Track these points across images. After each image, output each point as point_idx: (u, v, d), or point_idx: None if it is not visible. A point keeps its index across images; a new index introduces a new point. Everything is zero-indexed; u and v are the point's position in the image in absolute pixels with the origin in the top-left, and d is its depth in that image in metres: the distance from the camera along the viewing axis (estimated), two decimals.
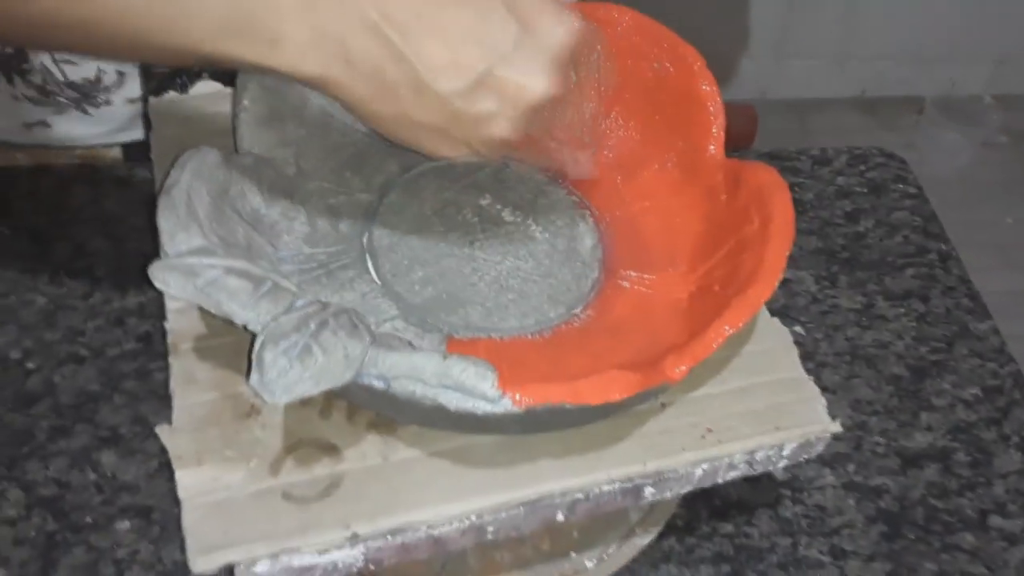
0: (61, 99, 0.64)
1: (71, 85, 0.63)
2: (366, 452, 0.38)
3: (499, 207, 0.51)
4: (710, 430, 0.40)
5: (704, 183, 0.49)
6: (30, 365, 0.56)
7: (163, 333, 0.45)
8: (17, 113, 0.64)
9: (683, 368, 0.37)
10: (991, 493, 0.57)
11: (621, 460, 0.39)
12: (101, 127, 0.66)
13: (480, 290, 0.47)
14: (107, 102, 0.65)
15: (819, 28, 1.79)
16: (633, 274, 0.48)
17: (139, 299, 0.59)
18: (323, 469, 0.38)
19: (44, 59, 0.61)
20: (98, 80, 0.63)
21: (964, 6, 1.77)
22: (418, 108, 0.33)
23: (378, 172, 0.52)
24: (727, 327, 0.38)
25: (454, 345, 0.44)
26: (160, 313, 0.45)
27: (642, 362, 0.38)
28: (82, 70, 0.62)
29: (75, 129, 0.66)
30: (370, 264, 0.48)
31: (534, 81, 0.33)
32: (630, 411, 0.40)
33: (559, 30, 0.33)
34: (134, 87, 0.65)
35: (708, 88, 0.49)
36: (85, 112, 0.65)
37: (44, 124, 0.65)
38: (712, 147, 0.49)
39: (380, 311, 0.45)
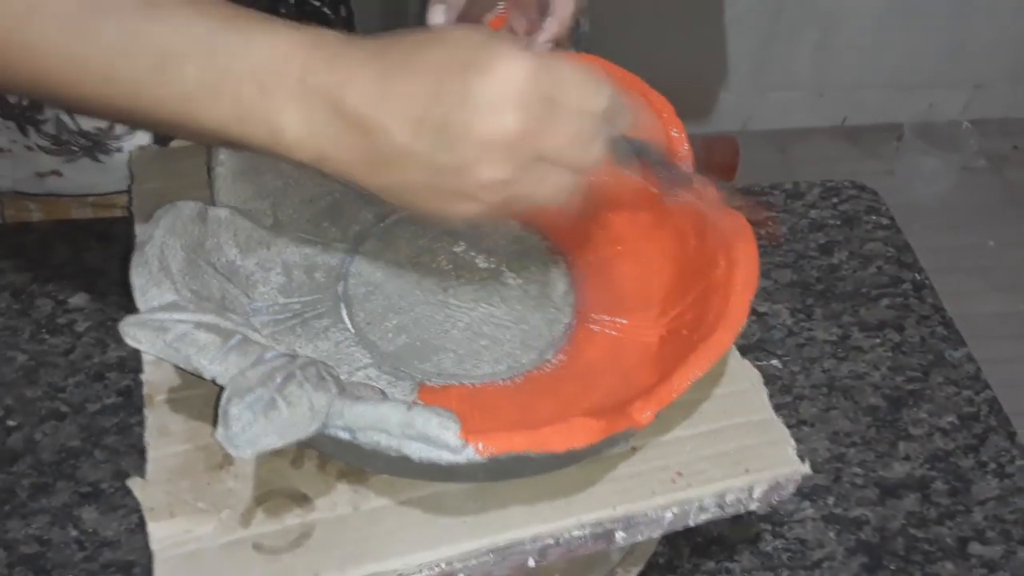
0: (74, 147, 0.65)
1: (84, 134, 0.64)
2: (336, 502, 0.39)
3: (473, 254, 0.52)
4: (680, 474, 0.41)
5: (673, 227, 0.50)
6: (11, 423, 0.56)
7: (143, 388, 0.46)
8: (30, 164, 0.65)
9: (648, 414, 0.37)
10: (970, 521, 0.57)
11: (591, 505, 0.39)
12: (112, 175, 0.67)
13: (453, 337, 0.48)
14: (118, 150, 0.66)
15: (798, 59, 1.82)
16: (605, 318, 0.49)
17: (120, 354, 0.60)
18: (294, 519, 0.38)
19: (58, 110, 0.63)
20: (110, 128, 0.64)
21: (940, 33, 1.80)
22: (402, 174, 0.35)
23: (354, 221, 0.53)
24: (694, 372, 0.39)
25: (426, 393, 0.44)
26: (140, 367, 0.45)
27: (610, 407, 0.38)
28: (94, 119, 0.64)
29: (87, 177, 0.67)
30: (344, 313, 0.48)
31: (496, 118, 0.34)
32: (601, 456, 0.40)
33: (510, 65, 0.34)
34: (144, 135, 0.66)
35: (677, 134, 0.50)
36: (97, 160, 0.66)
37: (56, 173, 0.66)
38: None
39: (353, 360, 0.46)
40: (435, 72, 0.33)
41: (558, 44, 0.54)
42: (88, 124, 0.64)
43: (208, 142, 0.39)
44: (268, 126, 0.35)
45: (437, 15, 0.50)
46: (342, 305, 0.49)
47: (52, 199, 0.69)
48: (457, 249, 0.52)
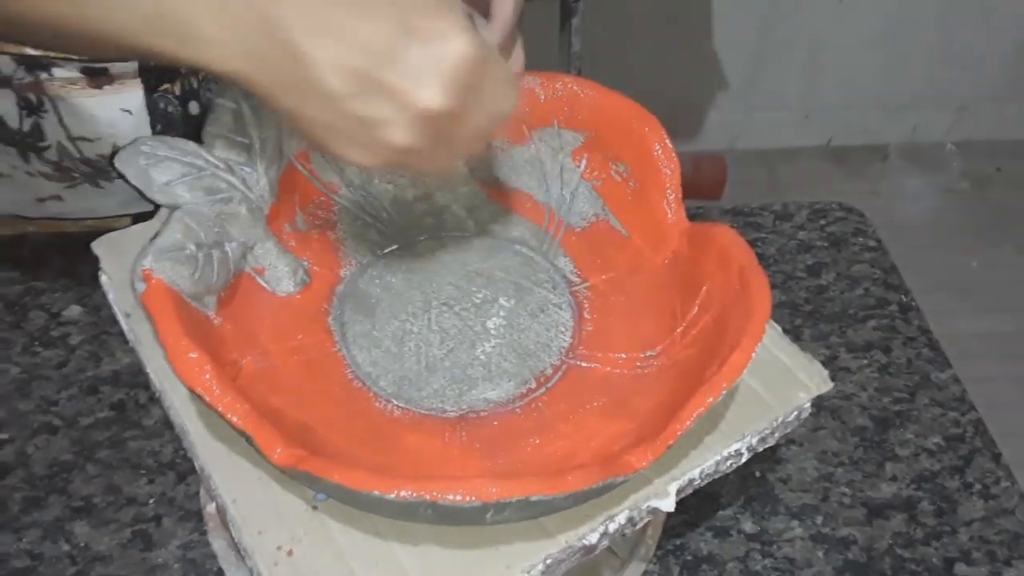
0: (75, 174, 0.64)
1: (86, 161, 0.63)
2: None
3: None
4: None
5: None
6: (3, 436, 0.56)
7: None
8: (30, 188, 0.64)
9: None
10: (956, 541, 0.58)
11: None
12: (113, 199, 0.66)
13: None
14: (120, 176, 0.65)
15: (785, 80, 1.84)
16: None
17: (113, 367, 0.60)
18: None
19: (60, 137, 0.62)
20: (113, 156, 0.64)
21: (925, 55, 1.83)
22: (315, 107, 0.35)
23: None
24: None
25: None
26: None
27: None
28: (97, 147, 0.63)
29: (87, 202, 0.66)
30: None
31: (423, 90, 0.34)
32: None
33: (453, 45, 0.34)
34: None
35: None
36: (98, 186, 0.65)
37: (57, 198, 0.66)
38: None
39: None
40: (382, 22, 0.33)
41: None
42: (90, 152, 0.64)
43: (107, 52, 0.37)
44: (185, 36, 0.33)
45: None
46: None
47: (51, 222, 0.68)
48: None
